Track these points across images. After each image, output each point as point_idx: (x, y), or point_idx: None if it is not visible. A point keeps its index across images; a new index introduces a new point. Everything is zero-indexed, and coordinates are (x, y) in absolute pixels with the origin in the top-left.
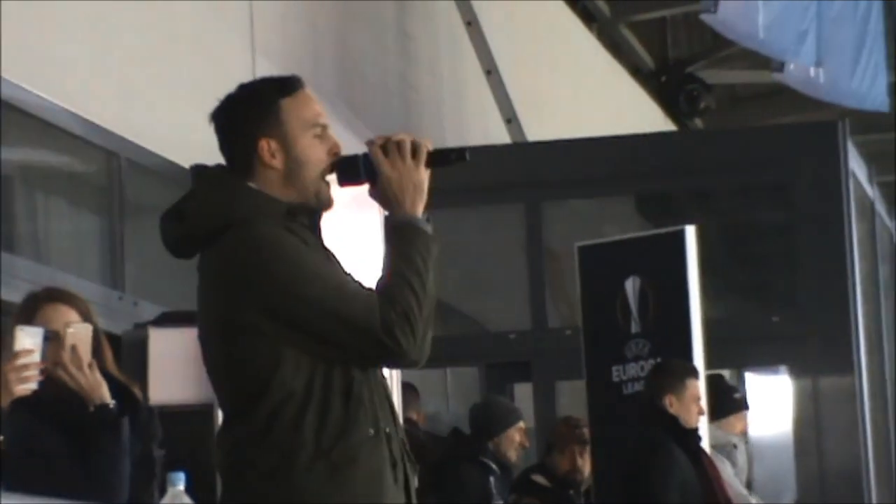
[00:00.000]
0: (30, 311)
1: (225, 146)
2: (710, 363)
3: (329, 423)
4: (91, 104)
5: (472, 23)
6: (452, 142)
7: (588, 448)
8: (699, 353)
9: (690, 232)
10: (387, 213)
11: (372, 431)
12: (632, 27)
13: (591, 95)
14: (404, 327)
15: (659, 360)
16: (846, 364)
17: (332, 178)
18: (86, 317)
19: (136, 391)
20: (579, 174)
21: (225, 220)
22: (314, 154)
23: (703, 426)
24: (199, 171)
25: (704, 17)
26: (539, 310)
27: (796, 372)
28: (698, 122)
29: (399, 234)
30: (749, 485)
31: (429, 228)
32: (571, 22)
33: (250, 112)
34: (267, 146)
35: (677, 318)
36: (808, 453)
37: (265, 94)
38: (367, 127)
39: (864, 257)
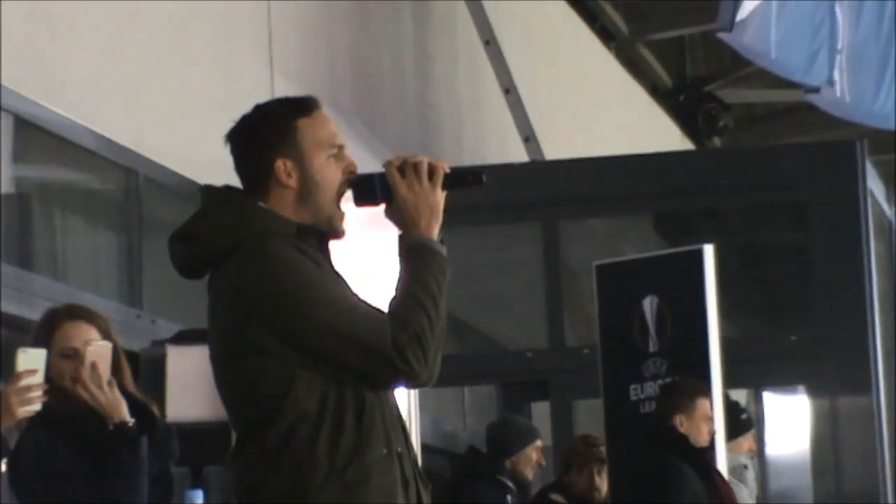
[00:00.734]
0: (49, 328)
1: (241, 166)
2: (727, 382)
3: (342, 443)
4: (109, 121)
5: (490, 41)
6: (470, 161)
7: (605, 467)
8: (716, 372)
9: (708, 251)
10: (401, 233)
11: (385, 451)
12: (650, 46)
13: (609, 114)
14: (416, 349)
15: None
16: (864, 384)
17: (347, 201)
18: (106, 334)
19: (154, 409)
20: (597, 193)
21: (236, 240)
22: (329, 174)
23: (720, 445)
24: (209, 191)
25: (721, 35)
26: (556, 328)
27: (814, 391)
28: (716, 141)
29: (413, 255)
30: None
31: (443, 250)
32: (590, 41)
33: (267, 132)
34: (283, 166)
35: (695, 338)
36: (826, 473)
37: (281, 115)
38: (384, 145)
39: (882, 276)
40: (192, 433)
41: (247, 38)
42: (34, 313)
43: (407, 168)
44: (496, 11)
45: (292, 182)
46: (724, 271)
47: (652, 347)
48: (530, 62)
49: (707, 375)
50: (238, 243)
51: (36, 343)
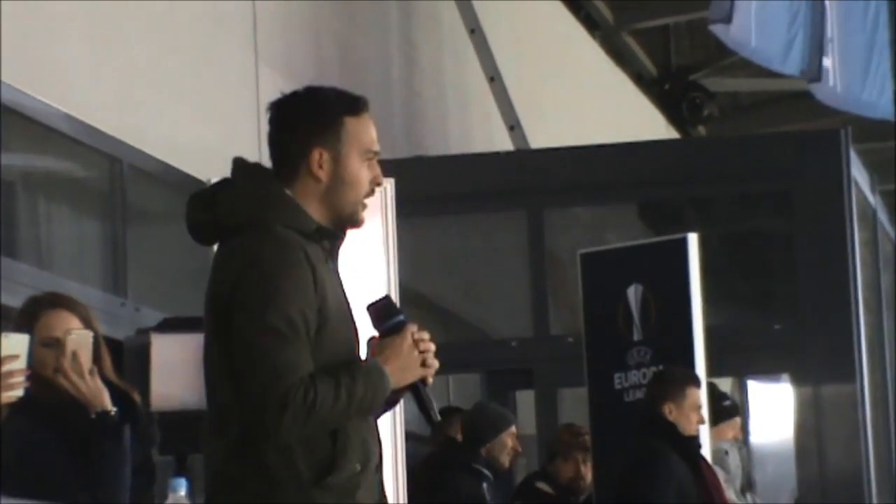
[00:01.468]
0: (31, 316)
1: (276, 143)
2: (711, 371)
3: (316, 457)
4: (93, 109)
5: (475, 30)
6: (455, 148)
7: (590, 455)
8: (701, 360)
9: (692, 240)
10: (374, 355)
11: (359, 467)
12: (635, 35)
13: (593, 103)
14: (300, 413)
15: (660, 367)
16: (848, 372)
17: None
18: (87, 323)
19: (136, 397)
20: (582, 181)
21: (252, 219)
22: (361, 177)
23: (705, 434)
24: (241, 164)
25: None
26: (541, 317)
27: (798, 380)
28: (701, 130)
29: (374, 371)
30: (744, 489)
31: (389, 387)
32: (575, 29)
33: (314, 119)
34: (319, 157)
35: (679, 326)
36: (810, 461)
37: (333, 107)
38: None
39: (866, 265)
40: (177, 421)
41: (232, 27)
42: (18, 301)
43: (419, 344)
44: (481, 0)
45: (323, 174)
46: (709, 260)
47: (636, 336)
48: (515, 51)
49: (691, 364)
50: (254, 222)
51: (17, 331)
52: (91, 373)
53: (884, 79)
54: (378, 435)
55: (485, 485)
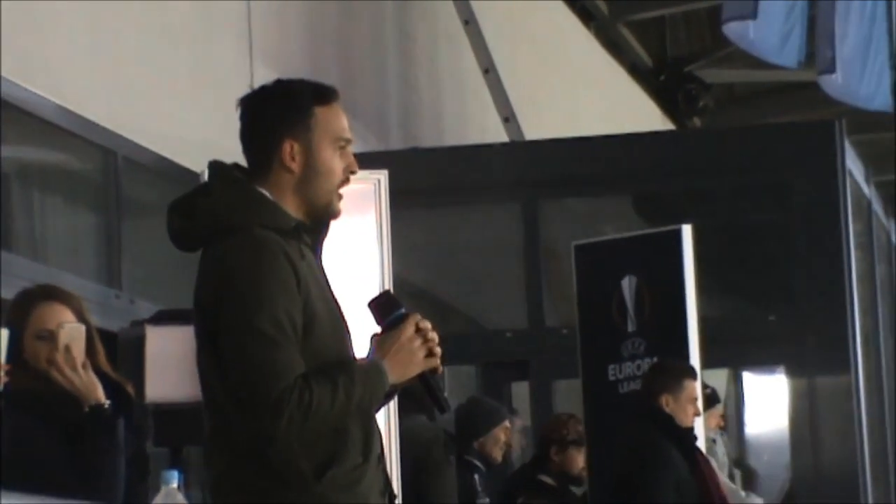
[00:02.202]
0: (23, 309)
1: (247, 137)
2: (706, 362)
3: (317, 452)
4: (88, 102)
5: (469, 22)
6: (450, 140)
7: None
8: (695, 352)
9: (687, 231)
10: (375, 350)
11: (360, 459)
12: (630, 26)
13: (589, 94)
14: (296, 413)
15: (655, 359)
16: (843, 363)
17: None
18: (80, 315)
19: (129, 389)
20: (577, 173)
21: (232, 223)
22: (334, 166)
23: (700, 426)
24: (216, 167)
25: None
26: (536, 309)
27: (793, 371)
28: (697, 121)
29: (372, 369)
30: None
31: (388, 384)
32: (570, 21)
33: (283, 111)
34: (290, 148)
35: (673, 318)
36: (805, 452)
37: (302, 98)
38: (365, 126)
39: (861, 256)
40: (171, 413)
41: (226, 19)
42: (12, 294)
43: (422, 332)
44: None
45: (295, 166)
46: (704, 251)
47: (630, 328)
48: (510, 42)
49: (685, 355)
50: (232, 227)
51: (9, 324)
52: (84, 366)
53: (882, 71)
54: (377, 427)
55: (476, 476)
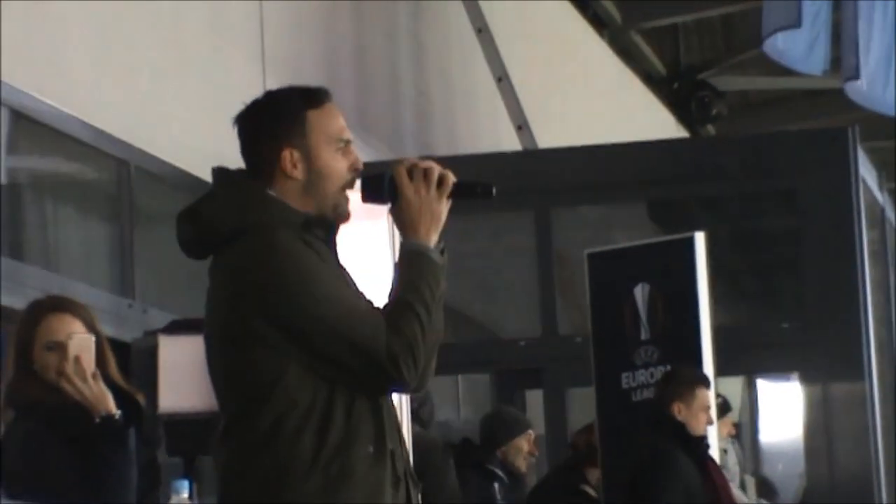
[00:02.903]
0: (34, 320)
1: (247, 152)
2: (719, 370)
3: (329, 438)
4: (101, 112)
5: (482, 30)
6: (463, 148)
7: None
8: (708, 359)
9: (700, 238)
10: (401, 236)
11: (371, 449)
12: (643, 34)
13: (602, 102)
14: (407, 358)
15: (668, 367)
16: (856, 370)
17: (352, 192)
18: (90, 326)
19: (140, 398)
20: (590, 181)
21: (242, 225)
22: (336, 168)
23: (713, 435)
24: (221, 173)
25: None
26: (549, 317)
27: (806, 378)
28: (710, 129)
29: (411, 261)
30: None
31: (440, 260)
32: (582, 29)
33: (276, 121)
34: (290, 156)
35: (686, 325)
36: (819, 459)
37: (293, 105)
38: (377, 134)
39: (875, 263)
40: (185, 424)
41: (238, 30)
42: (24, 304)
43: (416, 172)
44: (488, 0)
45: (297, 173)
46: (717, 259)
47: (643, 335)
48: (523, 50)
49: (699, 363)
50: (243, 229)
51: (19, 334)
52: (94, 376)
53: None
54: (397, 422)
55: (496, 485)
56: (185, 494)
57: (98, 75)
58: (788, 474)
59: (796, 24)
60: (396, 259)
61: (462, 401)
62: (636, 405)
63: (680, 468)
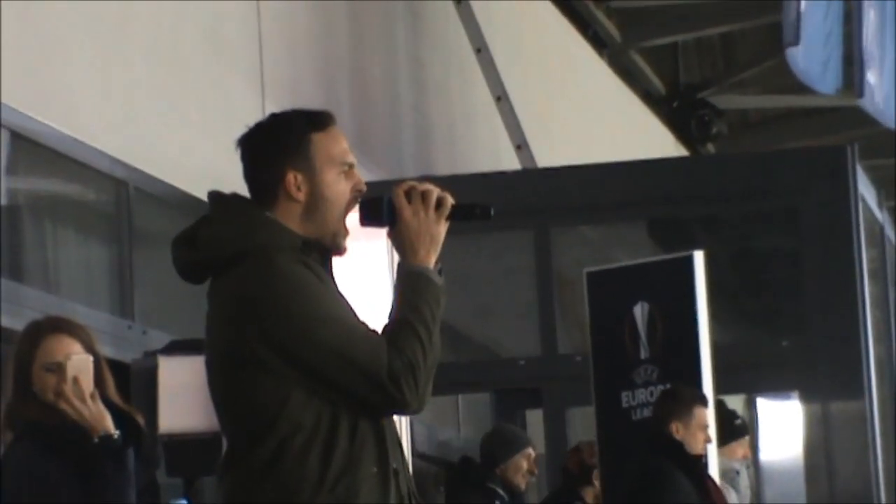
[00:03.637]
0: (32, 341)
1: (250, 174)
2: (719, 389)
3: (334, 459)
4: (99, 133)
5: (481, 49)
6: (462, 168)
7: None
8: (708, 378)
9: (699, 257)
10: (400, 258)
11: (375, 469)
12: (643, 53)
13: (601, 121)
14: (409, 378)
15: (667, 385)
16: (857, 389)
17: (352, 219)
18: (88, 346)
19: (139, 419)
20: (589, 200)
21: (240, 249)
22: (339, 191)
23: (712, 453)
24: (216, 197)
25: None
26: (549, 336)
27: (806, 397)
28: (710, 148)
29: (411, 282)
30: None
31: (439, 281)
32: (582, 48)
33: (280, 143)
34: (294, 179)
35: (686, 344)
36: (819, 478)
37: (297, 127)
38: (377, 154)
39: (874, 282)
40: (185, 444)
41: (237, 50)
42: (23, 325)
43: (414, 194)
44: (488, 19)
45: (301, 195)
46: (716, 277)
47: (643, 354)
48: (522, 70)
49: (698, 382)
50: (242, 252)
51: (18, 356)
52: (93, 397)
53: None
54: (398, 439)
55: (497, 503)
56: None
57: (97, 97)
58: (789, 493)
59: (794, 42)
60: (395, 280)
61: (462, 420)
62: (636, 424)
63: (677, 487)
